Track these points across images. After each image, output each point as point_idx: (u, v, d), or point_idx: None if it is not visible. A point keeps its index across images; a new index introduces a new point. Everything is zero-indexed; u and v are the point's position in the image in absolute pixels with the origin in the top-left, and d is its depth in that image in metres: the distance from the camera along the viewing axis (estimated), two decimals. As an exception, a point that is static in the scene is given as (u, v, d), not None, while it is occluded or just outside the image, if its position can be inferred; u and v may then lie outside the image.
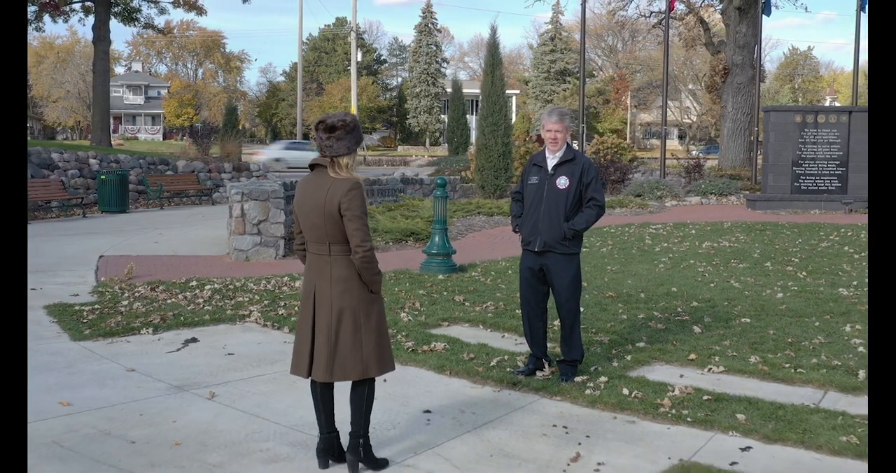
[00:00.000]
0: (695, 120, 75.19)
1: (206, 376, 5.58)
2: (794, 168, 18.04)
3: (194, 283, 8.75)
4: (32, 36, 25.52)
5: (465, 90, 51.80)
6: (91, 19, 24.88)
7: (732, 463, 4.17)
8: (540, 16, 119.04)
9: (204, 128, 26.12)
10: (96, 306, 7.60)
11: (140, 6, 25.97)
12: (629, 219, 16.20)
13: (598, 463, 4.16)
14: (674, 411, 4.87)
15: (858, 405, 5.08)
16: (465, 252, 11.30)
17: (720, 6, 31.63)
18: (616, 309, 7.62)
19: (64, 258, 10.78)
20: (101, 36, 24.90)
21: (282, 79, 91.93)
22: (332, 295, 3.87)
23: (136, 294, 8.17)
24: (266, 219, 10.77)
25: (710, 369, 5.76)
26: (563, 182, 5.40)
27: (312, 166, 3.95)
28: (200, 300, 7.90)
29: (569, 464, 4.16)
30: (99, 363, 5.87)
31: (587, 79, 78.75)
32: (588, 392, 5.20)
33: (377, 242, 11.92)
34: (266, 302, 7.87)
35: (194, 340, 6.52)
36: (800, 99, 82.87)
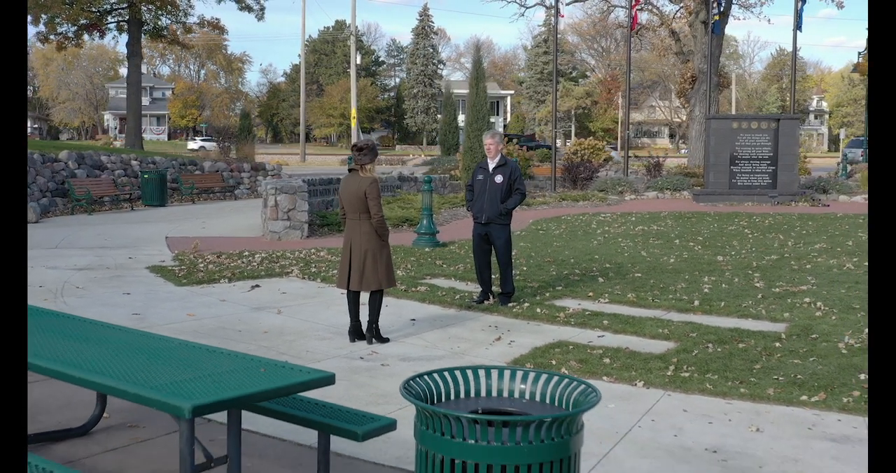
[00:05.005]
0: (685, 119, 77.96)
1: (272, 303, 8.70)
2: (732, 167, 21.10)
3: (246, 253, 11.87)
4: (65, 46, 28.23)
5: (460, 90, 54.55)
6: (124, 37, 28.06)
7: (589, 342, 7.25)
8: (534, 17, 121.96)
9: (210, 129, 29.04)
10: (182, 267, 10.71)
11: (167, 25, 29.11)
12: (586, 210, 19.35)
13: (511, 341, 7.26)
14: (565, 319, 7.97)
15: (682, 317, 8.15)
16: (448, 233, 14.44)
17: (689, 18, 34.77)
18: (549, 268, 10.76)
19: (138, 239, 13.89)
20: (134, 52, 28.06)
21: (282, 79, 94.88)
22: (361, 242, 6.98)
23: (207, 260, 11.27)
24: (294, 208, 13.87)
25: (599, 300, 8.87)
26: (499, 178, 8.50)
27: (350, 170, 7.08)
28: (255, 263, 11.02)
29: (493, 341, 7.26)
30: (200, 297, 9.00)
31: (580, 80, 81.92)
32: (514, 310, 8.31)
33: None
34: (302, 264, 10.98)
35: (258, 286, 9.63)
36: (787, 98, 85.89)
